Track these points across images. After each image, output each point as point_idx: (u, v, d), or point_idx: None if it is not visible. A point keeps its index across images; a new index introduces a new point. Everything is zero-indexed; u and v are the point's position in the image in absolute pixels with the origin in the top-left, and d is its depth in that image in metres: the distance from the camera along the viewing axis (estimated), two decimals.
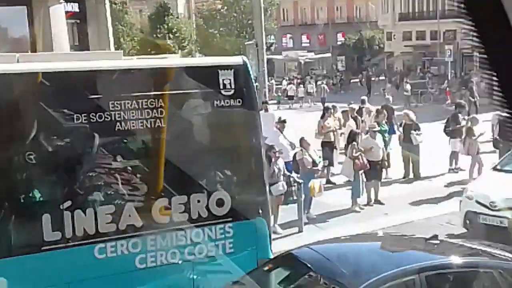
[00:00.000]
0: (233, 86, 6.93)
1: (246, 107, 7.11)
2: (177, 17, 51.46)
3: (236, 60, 7.28)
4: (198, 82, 6.99)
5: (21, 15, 18.59)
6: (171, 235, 6.76)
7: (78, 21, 21.16)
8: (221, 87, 6.91)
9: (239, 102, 7.00)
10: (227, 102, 6.94)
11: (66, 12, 19.59)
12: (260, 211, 7.32)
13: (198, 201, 6.86)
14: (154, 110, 6.57)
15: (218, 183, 7.12)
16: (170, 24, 48.26)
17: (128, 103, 6.47)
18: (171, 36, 47.74)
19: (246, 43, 24.97)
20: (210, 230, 6.96)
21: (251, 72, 7.27)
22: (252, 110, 7.26)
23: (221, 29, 48.50)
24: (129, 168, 6.70)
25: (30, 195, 6.40)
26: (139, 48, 47.11)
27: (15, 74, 6.27)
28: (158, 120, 6.59)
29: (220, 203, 6.96)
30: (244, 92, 7.06)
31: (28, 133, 6.28)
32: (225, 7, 49.86)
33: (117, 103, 6.41)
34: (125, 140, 6.75)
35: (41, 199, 6.41)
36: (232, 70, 6.98)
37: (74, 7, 20.52)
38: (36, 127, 6.29)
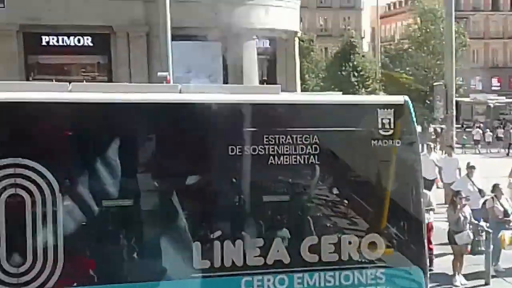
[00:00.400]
0: (392, 126, 6.68)
1: (405, 149, 6.81)
2: (363, 56, 51.62)
3: (397, 99, 6.98)
4: (356, 119, 6.76)
5: (216, 50, 19.71)
6: (319, 275, 6.57)
7: (268, 56, 22.01)
8: (380, 126, 6.67)
9: (398, 143, 6.70)
10: (385, 143, 6.66)
11: (258, 48, 20.46)
12: (416, 259, 6.92)
13: (350, 243, 6.63)
14: (309, 147, 6.45)
15: (372, 226, 6.80)
16: (355, 62, 48.54)
17: (281, 137, 6.39)
18: (355, 74, 47.95)
19: (434, 84, 24.33)
20: (360, 274, 6.67)
21: (412, 113, 6.92)
22: (412, 153, 6.93)
23: (407, 68, 47.75)
24: (282, 204, 6.71)
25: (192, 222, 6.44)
26: (323, 85, 47.92)
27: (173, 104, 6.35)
28: (312, 157, 6.45)
29: (372, 246, 6.68)
30: (404, 133, 6.78)
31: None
32: (413, 47, 49.09)
33: (271, 137, 6.36)
34: (275, 178, 6.68)
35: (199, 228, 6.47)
36: (392, 110, 6.71)
37: (265, 44, 21.39)
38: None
